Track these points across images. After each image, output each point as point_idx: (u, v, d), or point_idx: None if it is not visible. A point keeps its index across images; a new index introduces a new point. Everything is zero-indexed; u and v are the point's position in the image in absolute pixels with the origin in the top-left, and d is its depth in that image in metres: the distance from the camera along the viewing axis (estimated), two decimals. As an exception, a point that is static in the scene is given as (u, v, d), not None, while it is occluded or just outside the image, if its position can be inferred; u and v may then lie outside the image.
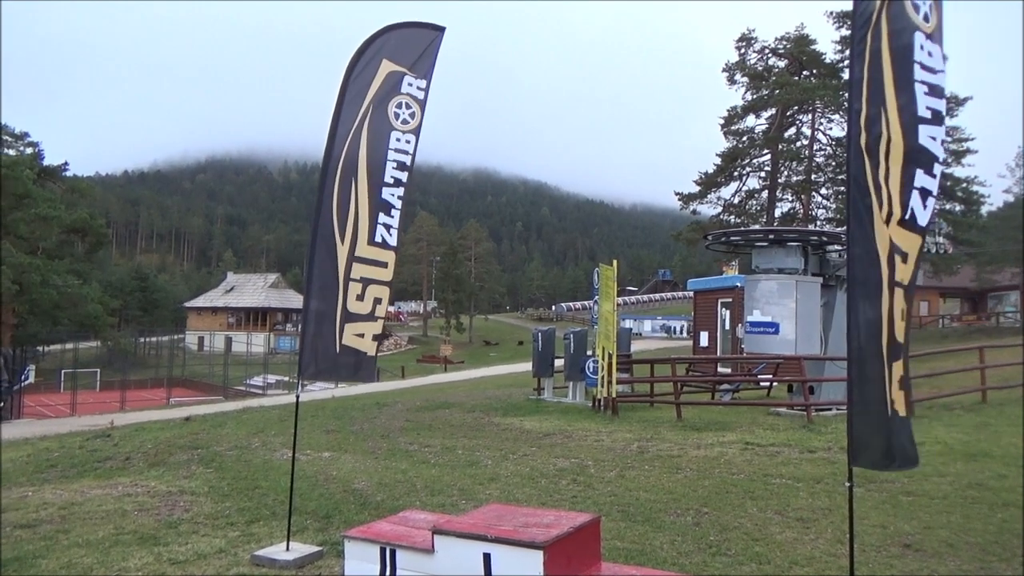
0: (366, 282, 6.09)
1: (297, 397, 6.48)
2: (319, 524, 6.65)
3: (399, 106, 6.26)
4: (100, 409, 27.97)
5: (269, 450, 10.92)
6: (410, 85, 6.30)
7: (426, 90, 6.35)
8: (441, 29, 6.44)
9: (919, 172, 4.12)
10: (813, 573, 5.26)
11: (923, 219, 4.16)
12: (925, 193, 4.14)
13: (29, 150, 47.53)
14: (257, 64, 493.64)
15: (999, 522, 6.42)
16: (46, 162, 48.32)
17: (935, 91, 4.19)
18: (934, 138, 4.16)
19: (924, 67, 4.17)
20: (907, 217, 4.08)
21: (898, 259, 4.06)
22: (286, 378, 41.48)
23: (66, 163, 50.61)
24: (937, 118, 4.18)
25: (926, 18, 4.23)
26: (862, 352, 4.02)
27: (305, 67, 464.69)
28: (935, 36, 4.26)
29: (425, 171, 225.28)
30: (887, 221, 4.01)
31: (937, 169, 4.21)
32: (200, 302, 79.76)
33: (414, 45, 6.32)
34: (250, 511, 7.19)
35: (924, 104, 4.13)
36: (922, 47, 4.16)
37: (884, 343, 3.98)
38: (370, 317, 6.12)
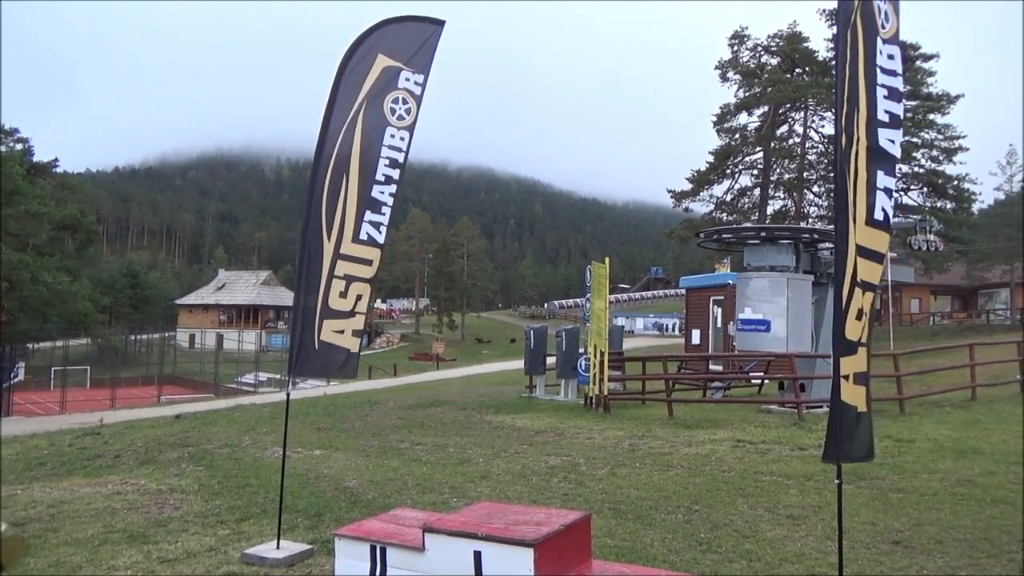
0: (349, 279, 6.05)
1: (287, 395, 6.45)
2: (309, 522, 6.63)
3: (396, 101, 6.18)
4: (90, 407, 27.84)
5: (260, 448, 10.90)
6: (407, 80, 6.21)
7: (423, 85, 6.28)
8: (440, 23, 6.36)
9: (880, 173, 4.19)
10: (803, 570, 5.27)
11: (887, 218, 4.23)
12: (888, 192, 4.24)
13: (19, 146, 47.25)
14: (250, 60, 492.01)
15: (988, 519, 6.45)
16: (36, 158, 48.05)
17: (893, 94, 4.26)
18: (892, 140, 4.24)
19: (884, 70, 4.23)
20: (875, 217, 4.14)
21: (866, 258, 4.10)
22: (277, 376, 41.36)
23: (56, 159, 50.34)
24: (895, 121, 4.27)
25: (887, 17, 4.28)
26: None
27: (300, 63, 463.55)
28: (894, 39, 4.32)
29: (418, 169, 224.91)
30: (855, 220, 4.06)
31: (895, 170, 4.30)
32: (191, 299, 79.47)
33: (411, 40, 6.25)
34: (240, 509, 7.17)
35: (883, 108, 4.22)
36: (882, 51, 4.22)
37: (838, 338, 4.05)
38: (350, 314, 6.08)
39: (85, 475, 9.51)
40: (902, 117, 4.37)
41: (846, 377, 4.06)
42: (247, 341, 58.55)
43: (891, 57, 4.26)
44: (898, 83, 4.29)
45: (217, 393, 35.95)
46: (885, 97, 4.21)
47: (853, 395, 4.12)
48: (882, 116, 4.20)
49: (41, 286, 39.99)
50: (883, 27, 4.27)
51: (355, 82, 6.08)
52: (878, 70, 4.20)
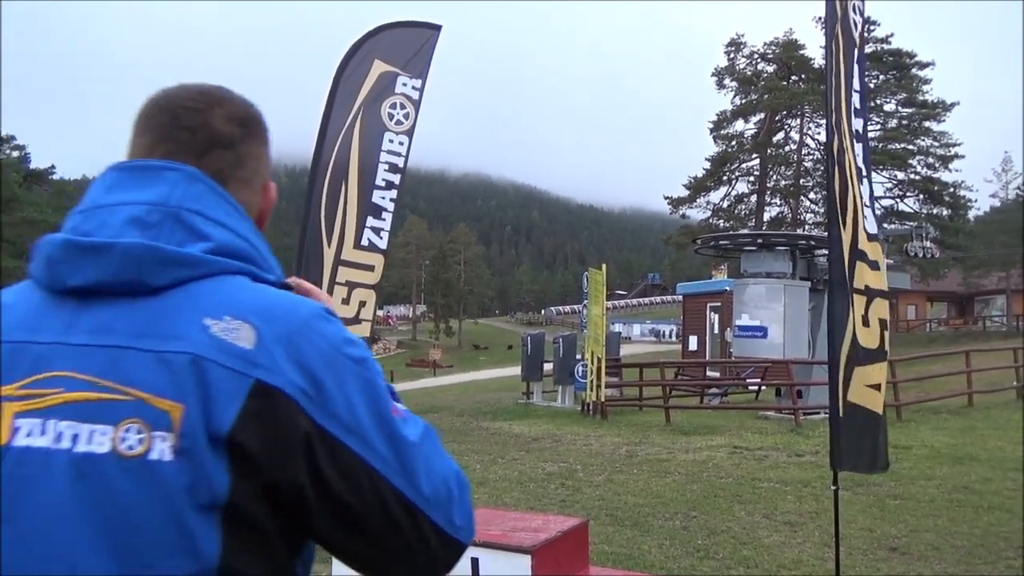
0: (352, 286, 6.02)
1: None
2: (306, 529, 6.60)
3: (393, 107, 6.15)
4: (86, 413, 27.76)
5: (257, 455, 10.86)
6: (404, 85, 6.17)
7: (421, 90, 6.26)
8: (437, 27, 6.34)
9: (865, 182, 4.21)
10: (800, 576, 5.27)
11: (873, 227, 4.25)
12: (869, 202, 4.27)
13: (16, 153, 47.20)
14: (247, 66, 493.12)
15: (984, 525, 6.46)
16: (33, 165, 47.93)
17: (856, 112, 4.30)
18: (858, 155, 4.28)
19: (858, 83, 4.27)
20: (867, 225, 4.16)
21: (865, 265, 4.11)
22: (275, 382, 41.23)
23: (53, 166, 50.08)
24: (858, 136, 4.29)
25: (866, 30, 4.34)
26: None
27: (295, 70, 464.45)
28: (863, 55, 4.37)
29: (416, 176, 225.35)
30: (854, 227, 4.07)
31: (866, 182, 4.34)
32: (188, 306, 79.25)
33: (408, 45, 6.23)
34: (237, 516, 7.13)
35: (852, 122, 4.24)
36: (856, 64, 4.27)
37: (847, 348, 4.01)
38: (355, 321, 6.05)
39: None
40: (863, 132, 4.41)
41: (876, 386, 4.05)
42: (244, 348, 58.29)
43: (862, 73, 4.31)
44: (859, 100, 4.33)
45: (214, 400, 35.81)
46: (856, 111, 4.25)
47: (873, 400, 4.10)
48: (856, 126, 4.24)
49: (38, 293, 39.85)
50: (863, 35, 4.30)
51: (352, 88, 6.07)
52: (855, 81, 4.24)
